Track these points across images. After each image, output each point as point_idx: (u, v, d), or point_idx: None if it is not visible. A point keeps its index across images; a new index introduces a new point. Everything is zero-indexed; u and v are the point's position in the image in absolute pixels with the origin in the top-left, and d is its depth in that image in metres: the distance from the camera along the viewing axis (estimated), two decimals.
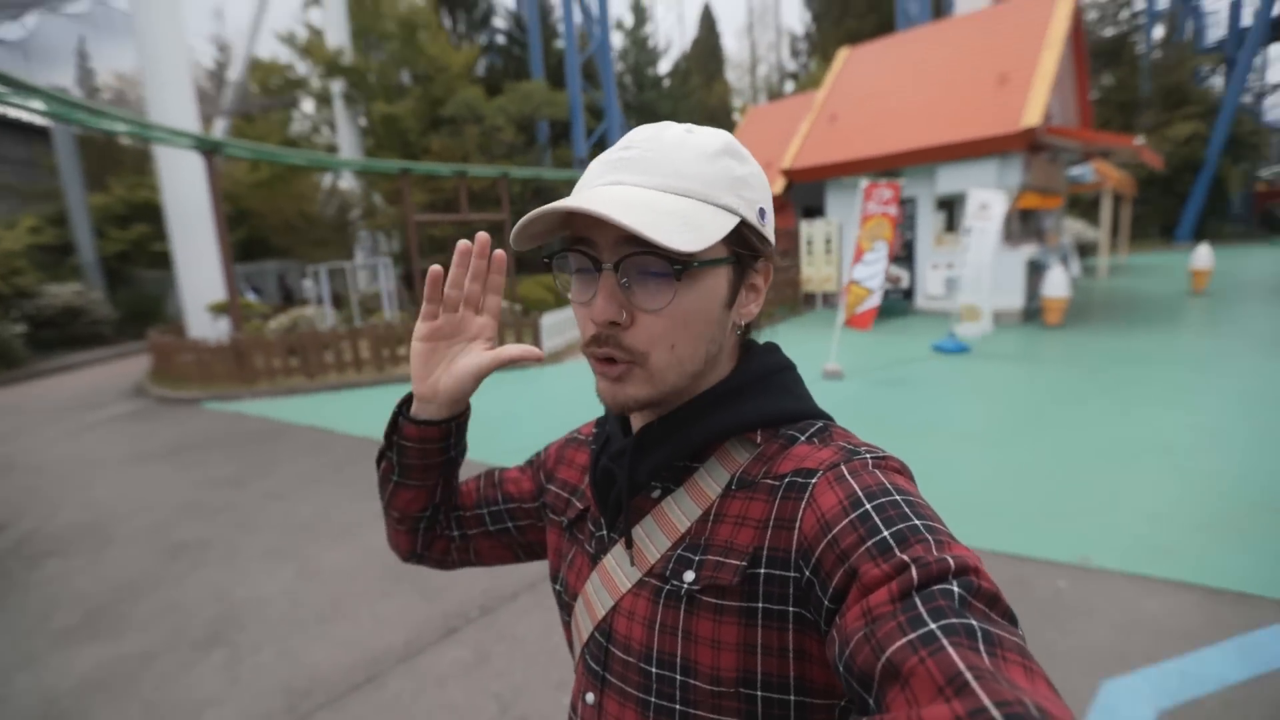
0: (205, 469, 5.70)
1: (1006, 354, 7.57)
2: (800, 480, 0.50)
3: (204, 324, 11.57)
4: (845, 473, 0.48)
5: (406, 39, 19.48)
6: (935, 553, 0.40)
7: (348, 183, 19.05)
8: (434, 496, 0.73)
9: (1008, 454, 4.44)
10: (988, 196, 7.21)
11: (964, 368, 7.00)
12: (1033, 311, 9.68)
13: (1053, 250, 10.37)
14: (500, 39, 29.15)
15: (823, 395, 6.04)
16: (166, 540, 4.19)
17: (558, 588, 0.68)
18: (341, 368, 8.88)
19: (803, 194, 13.02)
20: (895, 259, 10.56)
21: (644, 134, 0.53)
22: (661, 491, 0.58)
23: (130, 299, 18.77)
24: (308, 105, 23.89)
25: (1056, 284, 8.61)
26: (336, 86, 19.76)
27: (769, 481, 0.52)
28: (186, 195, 11.14)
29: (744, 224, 0.52)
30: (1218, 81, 25.59)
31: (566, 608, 0.66)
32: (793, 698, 0.49)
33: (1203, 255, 11.01)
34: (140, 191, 19.56)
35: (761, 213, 0.54)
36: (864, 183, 6.43)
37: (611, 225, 0.47)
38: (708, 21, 45.67)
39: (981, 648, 0.34)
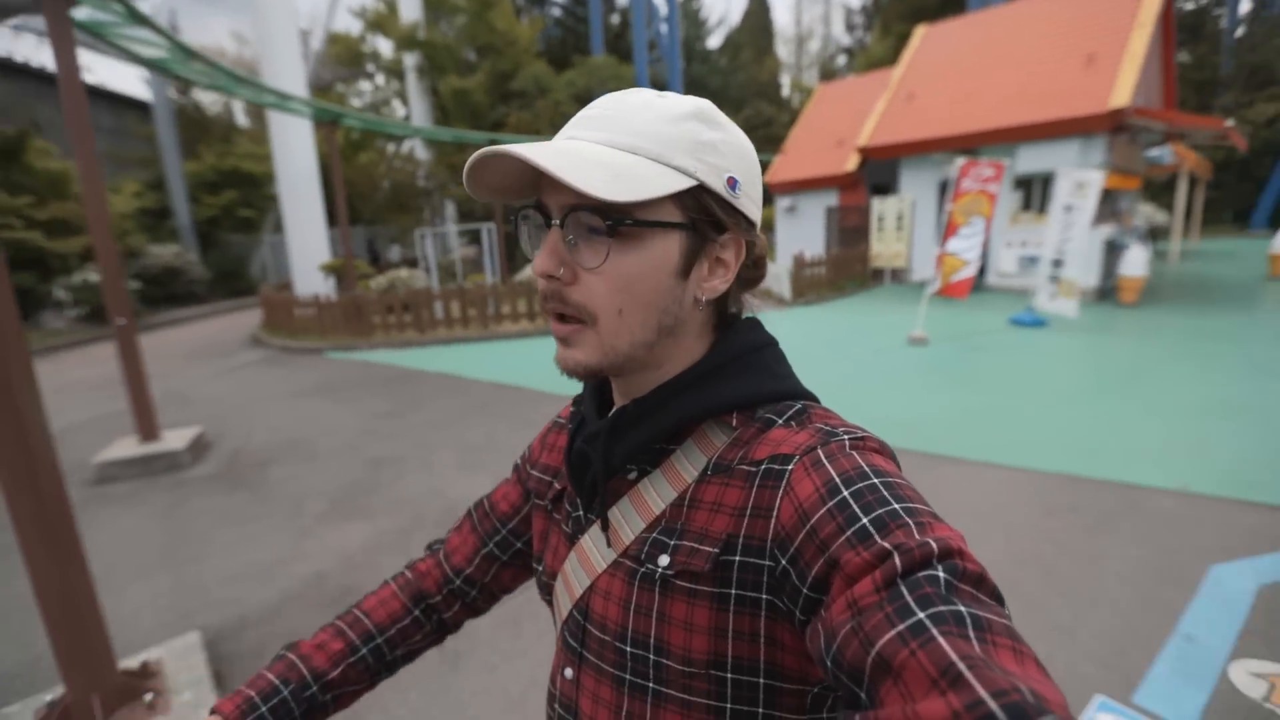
0: (360, 404, 6.51)
1: (1085, 328, 7.88)
2: (777, 467, 0.49)
3: (310, 282, 12.56)
4: (822, 457, 0.47)
5: (477, 13, 20.06)
6: (917, 536, 0.40)
7: (421, 153, 19.89)
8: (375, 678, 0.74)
9: (1102, 407, 4.90)
10: (1085, 176, 7.44)
11: (1044, 339, 7.37)
12: (1107, 290, 9.89)
13: (1129, 231, 10.49)
14: (556, 12, 29.48)
15: (915, 359, 6.55)
16: (363, 455, 4.97)
17: (538, 567, 0.68)
18: (450, 324, 9.70)
19: (874, 171, 13.25)
20: None
21: (613, 97, 0.53)
22: (638, 473, 0.57)
23: (219, 261, 20.14)
24: (379, 78, 24.77)
25: (1135, 263, 8.82)
26: (410, 60, 20.52)
27: (745, 468, 0.51)
28: (296, 162, 12.08)
29: (704, 190, 0.50)
30: None
31: (546, 588, 0.66)
32: (762, 680, 0.49)
33: None
34: (228, 159, 20.81)
35: (732, 183, 0.52)
36: (960, 160, 6.80)
37: (563, 185, 0.46)
38: None
39: (971, 634, 0.34)
